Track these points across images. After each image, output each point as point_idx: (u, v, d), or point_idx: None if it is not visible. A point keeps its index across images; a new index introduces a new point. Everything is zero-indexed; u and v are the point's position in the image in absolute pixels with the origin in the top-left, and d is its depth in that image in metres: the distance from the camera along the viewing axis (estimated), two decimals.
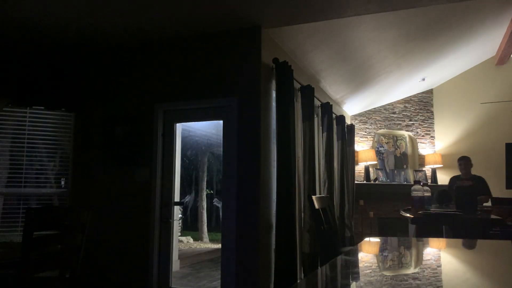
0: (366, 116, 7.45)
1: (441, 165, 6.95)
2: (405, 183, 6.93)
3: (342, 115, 6.14)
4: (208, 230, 9.41)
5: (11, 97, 4.10)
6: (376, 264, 1.42)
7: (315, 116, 4.86)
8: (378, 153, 7.15)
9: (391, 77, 6.10)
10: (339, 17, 3.67)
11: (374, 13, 3.66)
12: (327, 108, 5.31)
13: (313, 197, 2.82)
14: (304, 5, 3.37)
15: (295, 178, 3.86)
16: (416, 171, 7.11)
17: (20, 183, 4.10)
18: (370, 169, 6.98)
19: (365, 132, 7.39)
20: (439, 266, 1.42)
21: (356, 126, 7.17)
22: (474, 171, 7.07)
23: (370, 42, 4.62)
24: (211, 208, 10.42)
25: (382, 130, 7.36)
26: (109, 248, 3.92)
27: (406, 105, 7.46)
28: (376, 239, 2.79)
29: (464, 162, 4.97)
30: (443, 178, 6.97)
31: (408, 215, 3.40)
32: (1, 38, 3.96)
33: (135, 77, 4.11)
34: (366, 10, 3.57)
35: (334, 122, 5.83)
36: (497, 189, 6.13)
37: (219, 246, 6.17)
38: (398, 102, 7.46)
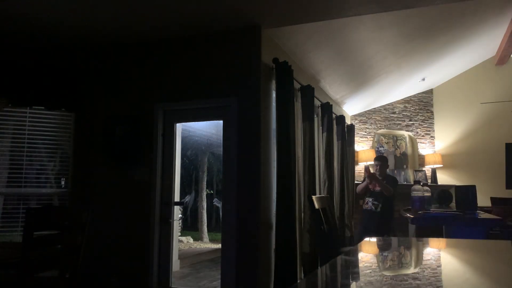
0: (366, 116, 7.45)
1: (441, 165, 6.94)
2: (405, 183, 6.92)
3: (342, 115, 6.13)
4: (208, 230, 9.40)
5: (11, 97, 4.10)
6: (376, 264, 1.42)
7: (315, 116, 4.86)
8: (378, 153, 7.15)
9: (391, 77, 6.10)
10: (339, 17, 3.67)
11: (375, 13, 3.66)
12: (327, 108, 5.31)
13: (313, 197, 2.82)
14: (304, 5, 3.37)
15: (295, 178, 3.86)
16: (416, 171, 7.11)
17: (20, 183, 4.10)
18: (370, 169, 6.97)
19: (365, 132, 7.39)
20: (439, 266, 1.42)
21: (356, 126, 7.16)
22: (474, 171, 7.07)
23: (370, 42, 4.62)
24: (211, 208, 10.41)
25: (382, 130, 7.36)
26: (109, 248, 3.92)
27: (406, 105, 7.46)
28: (376, 239, 2.79)
29: (381, 163, 4.98)
30: (443, 178, 6.97)
31: (408, 215, 3.40)
32: (1, 38, 3.96)
33: (135, 76, 4.11)
34: (367, 10, 3.56)
35: (334, 122, 5.83)
36: (497, 189, 6.13)
37: (219, 246, 6.17)
38: (398, 102, 7.46)
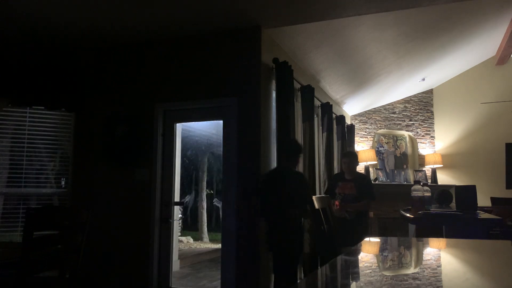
0: (366, 116, 7.45)
1: (441, 165, 6.94)
2: (405, 183, 6.92)
3: (342, 115, 6.14)
4: (208, 230, 9.40)
5: (11, 97, 4.10)
6: (376, 264, 1.42)
7: (315, 116, 4.86)
8: (378, 153, 7.15)
9: (391, 77, 6.10)
10: (339, 17, 3.67)
11: (375, 13, 3.66)
12: (327, 108, 5.31)
13: (313, 197, 2.82)
14: (304, 5, 3.37)
15: None
16: (416, 171, 7.11)
17: (20, 183, 4.10)
18: (370, 169, 6.97)
19: (365, 132, 7.39)
20: (439, 266, 1.42)
21: (356, 126, 7.16)
22: (474, 171, 7.05)
23: (370, 42, 4.62)
24: (211, 208, 10.41)
25: (382, 130, 7.36)
26: (109, 248, 3.92)
27: (406, 105, 7.46)
28: (376, 239, 2.79)
29: (351, 159, 4.37)
30: (443, 178, 6.97)
31: (408, 215, 3.39)
32: (1, 38, 3.96)
33: (135, 77, 4.11)
34: (367, 10, 3.56)
35: (334, 122, 5.83)
36: (497, 189, 6.13)
37: (219, 246, 6.16)
38: (398, 102, 7.46)
